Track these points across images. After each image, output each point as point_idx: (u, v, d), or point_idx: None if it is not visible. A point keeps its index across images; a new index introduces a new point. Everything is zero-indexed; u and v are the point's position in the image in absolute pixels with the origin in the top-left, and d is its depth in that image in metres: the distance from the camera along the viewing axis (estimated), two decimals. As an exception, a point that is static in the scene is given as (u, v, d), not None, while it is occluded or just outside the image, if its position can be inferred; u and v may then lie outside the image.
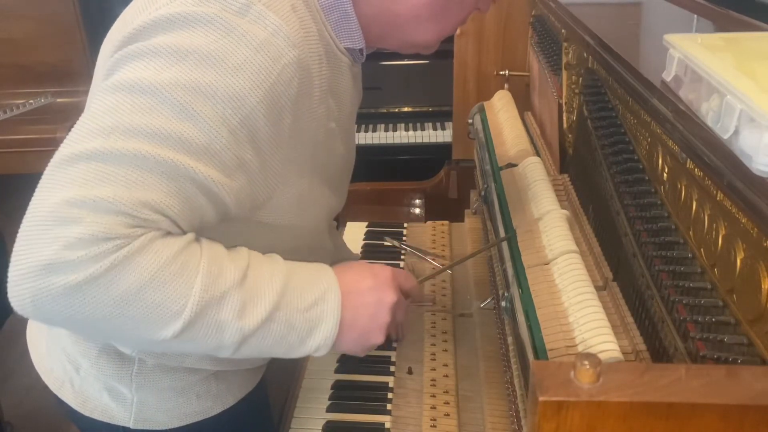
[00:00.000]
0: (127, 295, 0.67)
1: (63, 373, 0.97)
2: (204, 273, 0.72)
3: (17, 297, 0.67)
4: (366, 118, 2.57)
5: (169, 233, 0.72)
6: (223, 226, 0.78)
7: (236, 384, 1.01)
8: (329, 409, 1.11)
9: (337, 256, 1.19)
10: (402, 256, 1.51)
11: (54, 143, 2.50)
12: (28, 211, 0.67)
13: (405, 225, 1.64)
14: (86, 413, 0.97)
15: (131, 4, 0.82)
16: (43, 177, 0.68)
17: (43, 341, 1.02)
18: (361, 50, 0.89)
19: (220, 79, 0.70)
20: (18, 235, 0.67)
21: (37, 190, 0.68)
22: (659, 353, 0.76)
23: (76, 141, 0.68)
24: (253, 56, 0.71)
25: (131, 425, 0.95)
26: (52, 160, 0.69)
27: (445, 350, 1.20)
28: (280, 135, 0.77)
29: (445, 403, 1.08)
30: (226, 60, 0.70)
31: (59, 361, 0.98)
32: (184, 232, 0.73)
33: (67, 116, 2.58)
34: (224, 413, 1.00)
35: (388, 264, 0.94)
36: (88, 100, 0.87)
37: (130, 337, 0.76)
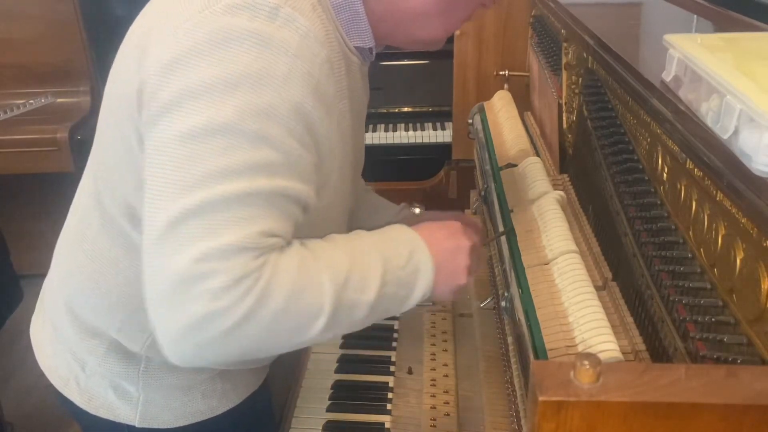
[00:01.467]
0: (277, 315, 0.72)
1: (68, 371, 0.98)
2: (325, 268, 0.76)
3: (180, 354, 0.72)
4: (366, 118, 2.57)
5: (282, 247, 0.75)
6: None
7: (241, 383, 1.02)
8: (329, 409, 1.11)
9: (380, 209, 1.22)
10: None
11: (54, 143, 2.50)
12: (153, 281, 0.70)
13: (405, 225, 1.64)
14: (91, 411, 0.97)
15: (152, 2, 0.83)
16: (150, 247, 0.70)
17: (47, 340, 1.02)
18: (370, 49, 0.89)
19: (275, 95, 0.72)
20: (152, 302, 0.71)
21: (149, 261, 0.71)
22: (659, 353, 0.76)
23: (170, 201, 0.70)
24: (294, 63, 0.73)
25: (137, 423, 0.96)
26: (150, 230, 0.70)
27: (445, 350, 1.20)
28: (328, 131, 0.80)
29: (445, 403, 1.08)
30: (273, 75, 0.72)
31: (64, 359, 0.98)
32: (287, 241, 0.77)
33: (67, 116, 2.56)
34: (228, 413, 1.00)
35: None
36: (104, 106, 0.87)
37: (284, 347, 0.79)
